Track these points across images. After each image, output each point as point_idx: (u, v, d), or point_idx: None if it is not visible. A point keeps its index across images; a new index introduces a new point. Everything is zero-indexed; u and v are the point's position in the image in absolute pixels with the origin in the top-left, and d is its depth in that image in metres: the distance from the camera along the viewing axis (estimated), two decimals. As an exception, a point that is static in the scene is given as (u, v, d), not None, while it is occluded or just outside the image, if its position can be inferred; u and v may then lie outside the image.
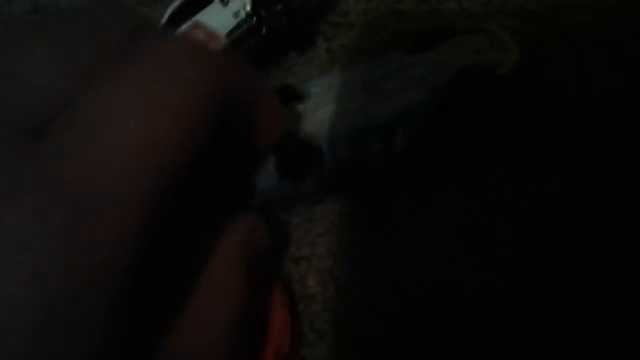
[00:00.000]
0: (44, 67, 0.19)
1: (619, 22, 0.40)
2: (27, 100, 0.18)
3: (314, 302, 0.36)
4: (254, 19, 0.38)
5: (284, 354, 0.33)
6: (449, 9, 0.42)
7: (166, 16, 0.41)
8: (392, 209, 0.37)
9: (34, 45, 0.19)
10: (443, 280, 0.35)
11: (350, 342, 0.35)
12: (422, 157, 0.37)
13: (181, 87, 0.18)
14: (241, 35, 0.39)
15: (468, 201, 0.37)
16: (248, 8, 0.38)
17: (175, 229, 0.18)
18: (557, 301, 0.34)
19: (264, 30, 0.39)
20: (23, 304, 0.15)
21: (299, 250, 0.37)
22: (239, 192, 0.24)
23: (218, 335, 0.21)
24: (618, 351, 0.32)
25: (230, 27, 0.39)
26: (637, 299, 0.33)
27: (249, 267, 0.21)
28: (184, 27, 0.40)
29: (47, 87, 0.18)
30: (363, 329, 0.35)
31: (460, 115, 0.36)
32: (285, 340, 0.33)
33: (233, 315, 0.21)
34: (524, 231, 0.36)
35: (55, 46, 0.19)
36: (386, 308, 0.35)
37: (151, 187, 0.17)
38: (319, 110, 0.35)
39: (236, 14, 0.38)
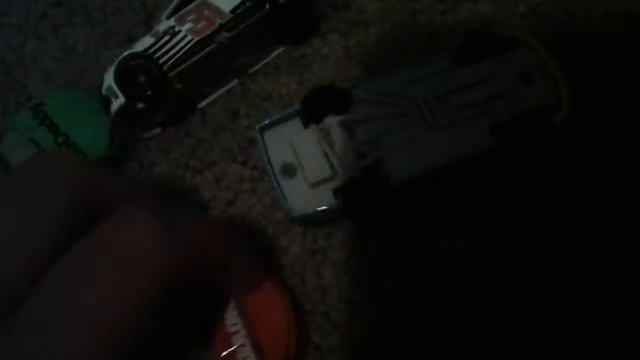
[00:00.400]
0: None
1: (628, 26, 0.41)
2: None
3: (329, 294, 0.38)
4: None
5: (292, 358, 0.35)
6: (465, 9, 0.43)
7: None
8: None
9: None
10: (455, 274, 0.37)
11: (364, 332, 0.37)
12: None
13: (137, 280, 0.20)
14: (245, 11, 0.40)
15: (482, 204, 0.38)
16: None
17: None
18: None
19: (267, 6, 0.40)
20: None
21: (315, 242, 0.39)
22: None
23: None
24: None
25: (235, 3, 0.40)
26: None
27: None
28: (191, 6, 0.41)
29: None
30: (377, 320, 0.37)
31: (514, 159, 0.38)
32: (292, 344, 0.35)
33: None
34: (537, 228, 0.37)
35: (6, 223, 0.20)
36: (399, 300, 0.37)
37: None
38: (371, 124, 0.36)
39: None
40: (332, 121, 0.37)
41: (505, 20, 0.42)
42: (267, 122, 0.38)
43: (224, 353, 0.34)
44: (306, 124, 0.38)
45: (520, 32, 0.39)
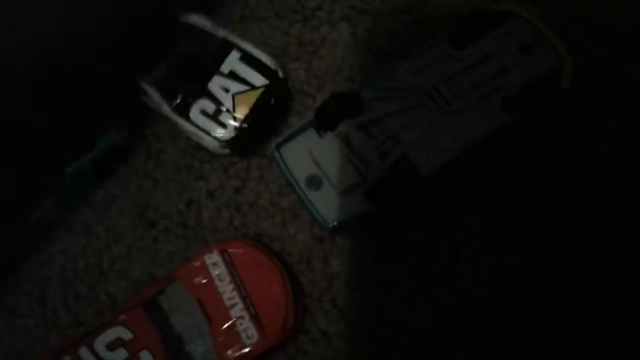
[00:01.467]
0: None
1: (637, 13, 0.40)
2: None
3: (337, 280, 0.38)
4: None
5: (291, 326, 0.36)
6: (475, -4, 0.42)
7: None
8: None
9: None
10: (462, 264, 0.37)
11: (370, 319, 0.37)
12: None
13: None
14: None
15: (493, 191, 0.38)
16: None
17: None
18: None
19: None
20: None
21: (323, 230, 0.39)
22: None
23: None
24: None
25: None
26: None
27: None
28: None
29: None
30: (383, 307, 0.37)
31: (527, 126, 0.37)
32: (290, 313, 0.36)
33: None
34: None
35: None
36: (405, 288, 0.37)
37: None
38: (387, 121, 0.36)
39: None
40: (347, 126, 0.37)
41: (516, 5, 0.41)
42: (282, 138, 0.38)
43: (224, 326, 0.35)
44: (321, 133, 0.38)
45: (509, 4, 0.39)
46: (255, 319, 0.35)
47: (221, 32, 0.41)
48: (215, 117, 0.39)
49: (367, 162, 0.36)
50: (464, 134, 0.36)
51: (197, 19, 0.41)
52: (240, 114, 0.39)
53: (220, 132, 0.39)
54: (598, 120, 0.38)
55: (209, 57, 0.40)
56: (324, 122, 0.38)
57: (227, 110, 0.39)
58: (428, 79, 0.37)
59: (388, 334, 0.36)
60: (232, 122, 0.39)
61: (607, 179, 0.37)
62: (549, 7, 0.41)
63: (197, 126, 0.39)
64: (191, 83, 0.40)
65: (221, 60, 0.40)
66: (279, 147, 0.38)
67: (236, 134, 0.39)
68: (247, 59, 0.40)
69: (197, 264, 0.37)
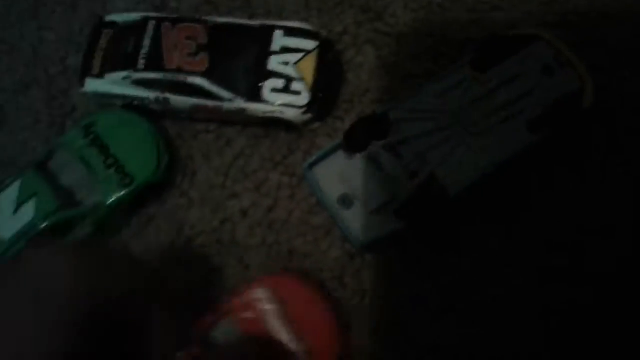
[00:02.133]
0: None
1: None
2: None
3: (369, 297, 0.39)
4: None
5: (341, 357, 0.37)
6: (496, 18, 0.44)
7: None
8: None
9: None
10: (487, 280, 0.39)
11: (401, 333, 0.39)
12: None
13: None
14: None
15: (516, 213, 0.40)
16: None
17: None
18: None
19: None
20: None
21: (355, 247, 0.40)
22: None
23: None
24: None
25: None
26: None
27: None
28: None
29: None
30: (413, 322, 0.39)
31: (547, 146, 0.39)
32: (339, 345, 0.37)
33: None
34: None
35: None
36: (437, 303, 0.39)
37: None
38: (414, 142, 0.38)
39: None
40: (376, 147, 0.38)
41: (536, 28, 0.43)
42: (313, 159, 0.40)
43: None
44: (350, 155, 0.40)
45: (529, 28, 0.40)
46: (309, 353, 0.36)
47: (255, 22, 0.44)
48: (287, 89, 0.43)
49: (396, 182, 0.38)
50: (491, 155, 0.37)
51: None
52: (308, 76, 0.42)
53: (298, 100, 0.42)
54: (615, 140, 0.40)
55: (255, 44, 0.44)
56: (353, 144, 0.39)
57: (295, 79, 0.42)
58: (453, 101, 0.39)
59: (420, 350, 0.38)
60: (304, 87, 0.42)
61: (623, 200, 0.39)
62: (569, 29, 0.42)
63: (275, 104, 0.42)
64: (250, 70, 0.43)
65: (269, 42, 0.43)
66: (310, 167, 0.40)
67: (312, 95, 0.42)
68: (291, 32, 0.44)
69: (246, 299, 0.38)
